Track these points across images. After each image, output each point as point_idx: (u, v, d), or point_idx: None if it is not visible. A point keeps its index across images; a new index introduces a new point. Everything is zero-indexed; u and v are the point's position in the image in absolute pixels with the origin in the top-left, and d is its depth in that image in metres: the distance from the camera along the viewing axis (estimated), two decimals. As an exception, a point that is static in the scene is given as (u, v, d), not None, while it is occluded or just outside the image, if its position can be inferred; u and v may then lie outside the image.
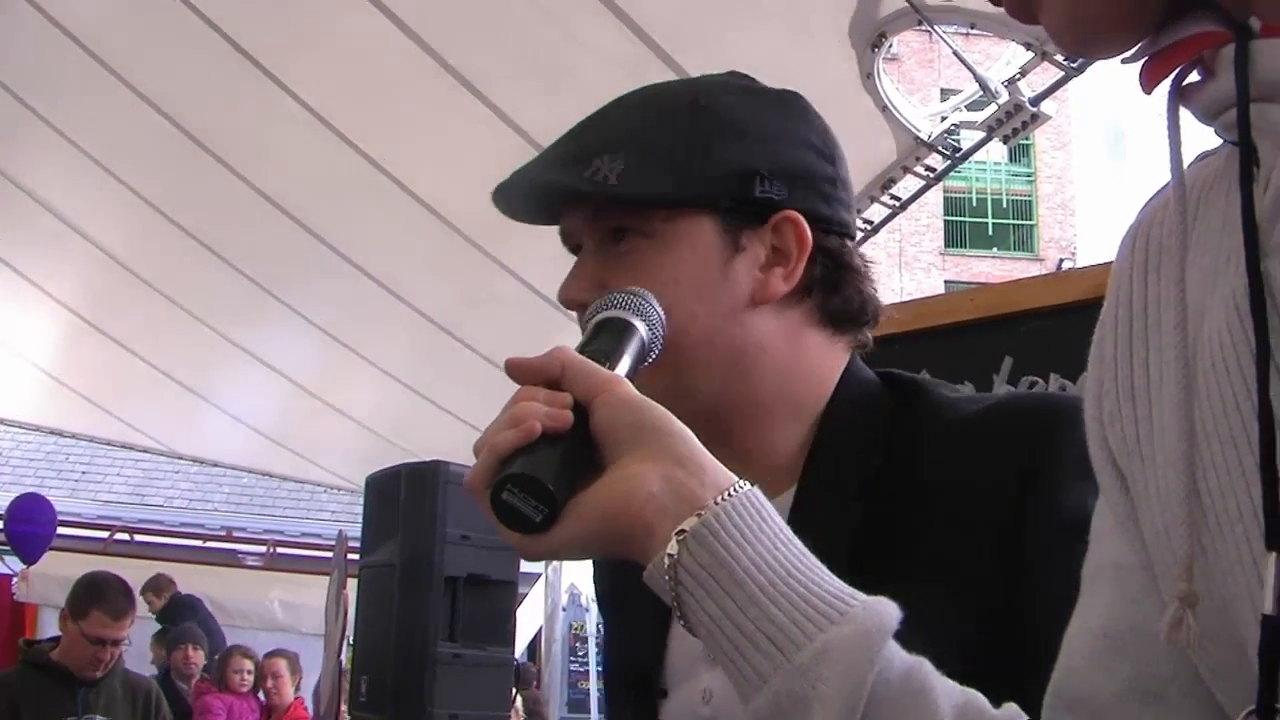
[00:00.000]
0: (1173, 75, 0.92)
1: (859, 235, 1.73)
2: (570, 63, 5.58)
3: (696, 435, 1.59)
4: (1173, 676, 0.92)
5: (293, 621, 14.62)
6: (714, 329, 1.60)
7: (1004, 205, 35.09)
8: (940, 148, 5.52)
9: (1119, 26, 0.92)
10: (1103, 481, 0.97)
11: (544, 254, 7.21)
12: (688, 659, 1.64)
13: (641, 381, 1.47)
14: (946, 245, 36.11)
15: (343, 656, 8.13)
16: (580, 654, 17.73)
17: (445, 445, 7.58)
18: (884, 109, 5.29)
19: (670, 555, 1.15)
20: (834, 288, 1.66)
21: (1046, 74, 5.03)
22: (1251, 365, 0.76)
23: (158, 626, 11.39)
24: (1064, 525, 1.34)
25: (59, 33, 6.16)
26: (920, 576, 1.39)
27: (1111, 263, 1.00)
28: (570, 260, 1.72)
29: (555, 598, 10.54)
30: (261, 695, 10.71)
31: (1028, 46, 4.79)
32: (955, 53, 5.00)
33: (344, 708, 7.22)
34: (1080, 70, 4.89)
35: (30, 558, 12.55)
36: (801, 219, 1.62)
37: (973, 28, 4.91)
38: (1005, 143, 5.49)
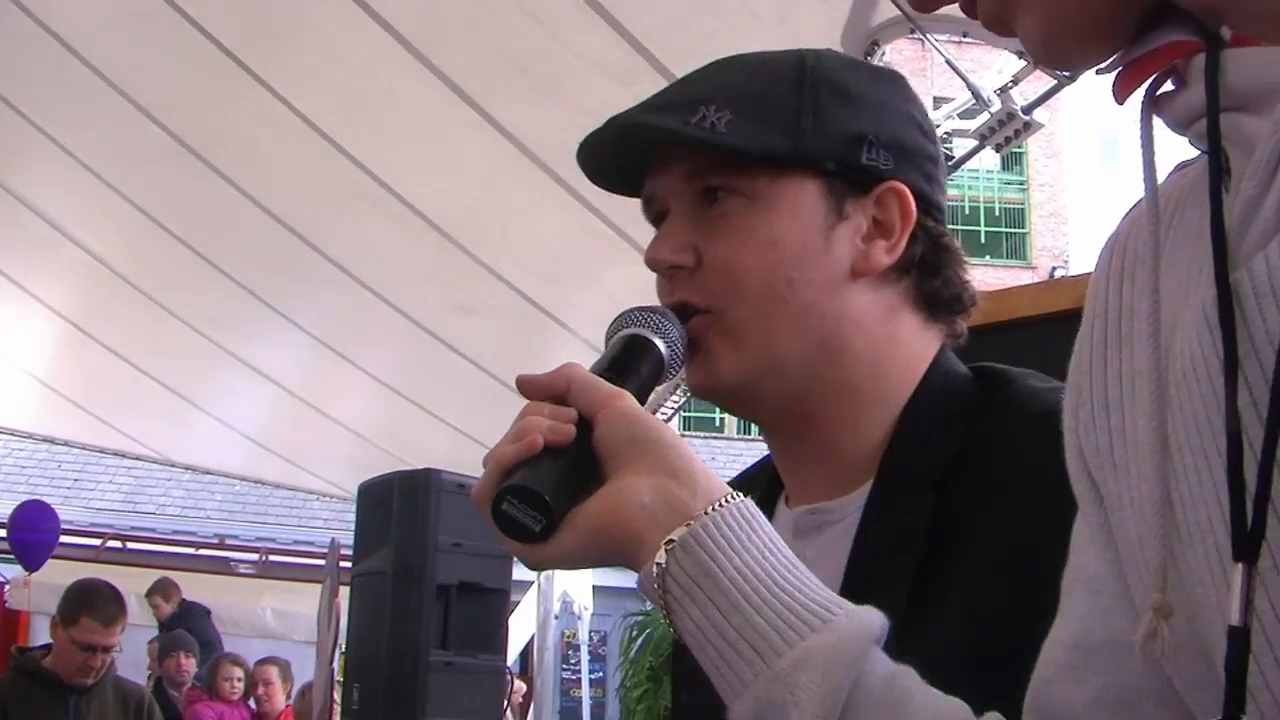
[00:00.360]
0: (1145, 85, 0.93)
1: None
2: (562, 70, 5.59)
3: (780, 423, 1.62)
4: (1145, 688, 0.92)
5: (285, 629, 14.65)
6: (810, 300, 1.53)
7: (996, 213, 35.10)
8: (933, 156, 5.52)
9: (1092, 39, 0.92)
10: (1078, 492, 0.98)
11: (536, 262, 7.21)
12: None
13: (725, 357, 1.53)
14: (939, 253, 35.96)
15: (335, 664, 8.13)
16: (572, 662, 17.69)
17: (438, 453, 7.59)
18: (877, 117, 5.29)
19: (659, 565, 1.18)
20: (933, 269, 1.60)
21: (1039, 82, 5.05)
22: (1221, 376, 0.76)
23: (155, 633, 11.42)
24: None
25: (52, 40, 6.16)
26: (985, 572, 1.37)
27: None
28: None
29: (548, 606, 10.54)
30: (252, 703, 10.72)
31: (1020, 55, 4.80)
32: (948, 61, 5.01)
33: (336, 716, 7.22)
34: (1073, 78, 4.89)
35: (33, 565, 12.56)
36: (906, 191, 1.56)
37: (965, 36, 4.93)
38: (998, 151, 5.50)
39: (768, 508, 1.63)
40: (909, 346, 1.59)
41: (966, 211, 35.32)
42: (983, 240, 35.68)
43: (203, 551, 17.37)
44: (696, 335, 1.53)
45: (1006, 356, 1.63)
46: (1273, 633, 0.74)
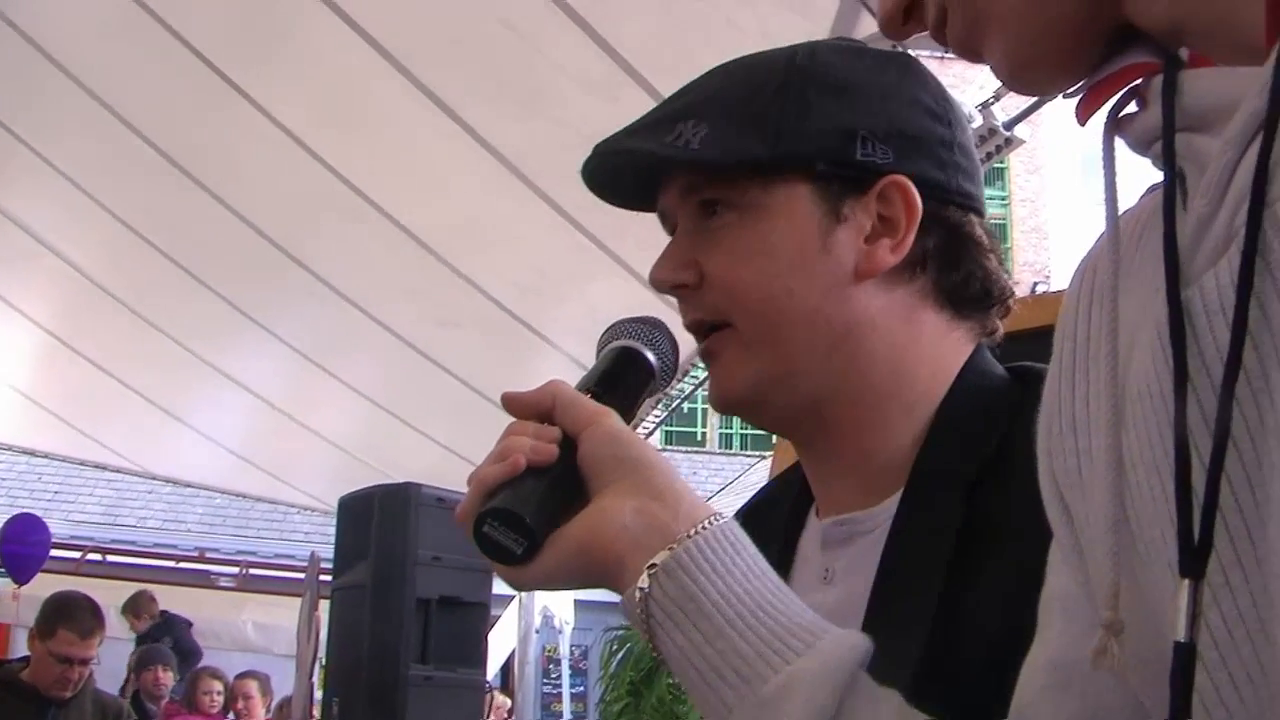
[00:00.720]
0: (1108, 106, 0.93)
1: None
2: (544, 84, 5.59)
3: (801, 432, 1.56)
4: (1119, 709, 0.92)
5: (265, 642, 14.64)
6: (814, 307, 1.46)
7: (986, 217, 35.22)
8: (914, 171, 5.53)
9: (1059, 65, 0.94)
10: (1050, 514, 0.98)
11: (518, 275, 7.21)
12: None
13: (735, 369, 1.49)
14: (922, 268, 36.01)
15: (315, 678, 8.11)
16: (553, 676, 17.72)
17: (418, 466, 7.59)
18: (859, 132, 5.30)
19: (641, 589, 1.17)
20: (952, 262, 1.51)
21: (1020, 98, 5.05)
22: (1172, 394, 0.76)
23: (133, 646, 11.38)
24: None
25: (35, 51, 6.16)
26: (1012, 579, 1.27)
27: None
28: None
29: (529, 620, 10.52)
30: (231, 716, 10.69)
31: (1001, 71, 4.80)
32: (928, 76, 5.02)
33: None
34: (1053, 95, 4.90)
35: (23, 578, 12.53)
36: (909, 184, 1.47)
37: (947, 52, 4.92)
38: (979, 166, 5.51)
39: (797, 520, 1.62)
40: (934, 347, 1.51)
41: (948, 227, 35.38)
42: (965, 255, 35.73)
43: (183, 564, 17.31)
44: (713, 350, 1.50)
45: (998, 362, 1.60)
46: (1225, 648, 0.75)
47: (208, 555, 17.90)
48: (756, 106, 1.48)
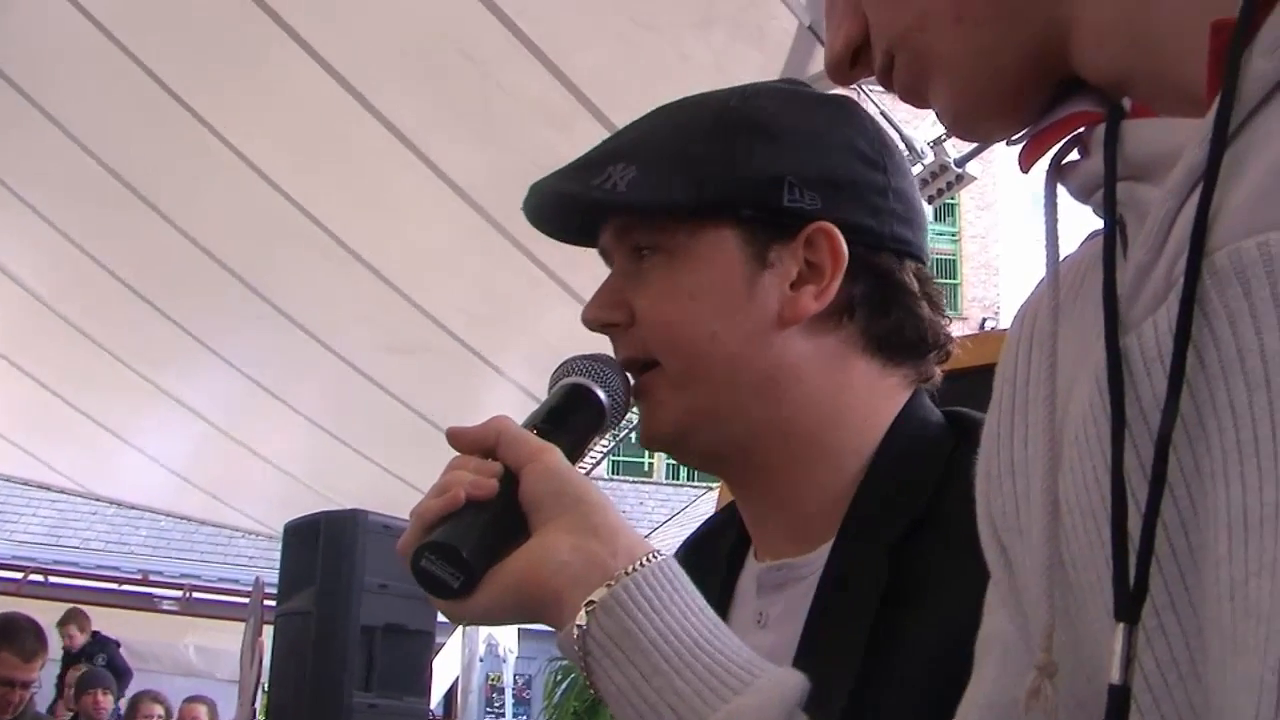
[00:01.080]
0: (1050, 154, 0.95)
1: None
2: (499, 113, 5.60)
3: (730, 473, 1.58)
4: None
5: (207, 667, 14.55)
6: (736, 351, 1.46)
7: (928, 264, 35.35)
8: (865, 206, 5.55)
9: (1002, 115, 0.96)
10: (988, 556, 0.99)
11: (469, 304, 7.20)
12: None
13: (662, 408, 1.50)
14: (871, 303, 36.05)
15: (257, 704, 8.06)
16: (497, 705, 17.67)
17: (365, 493, 7.56)
18: (811, 167, 5.32)
19: (579, 626, 1.17)
20: (882, 310, 1.50)
21: (972, 136, 5.09)
22: (1109, 439, 0.78)
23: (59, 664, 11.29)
24: None
25: (-14, 71, 6.13)
26: (932, 643, 1.29)
27: None
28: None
29: (472, 648, 10.48)
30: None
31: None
32: (882, 112, 5.04)
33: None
34: (997, 141, 4.94)
35: None
36: (835, 231, 1.46)
37: (899, 89, 4.96)
38: (931, 202, 5.55)
39: (737, 558, 1.62)
40: (865, 395, 1.50)
41: (899, 262, 35.48)
42: (914, 291, 35.83)
43: (126, 587, 17.20)
44: (643, 387, 1.51)
45: (936, 406, 1.60)
46: (1159, 691, 0.76)
47: (151, 578, 17.79)
48: (686, 150, 1.49)
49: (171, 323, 7.97)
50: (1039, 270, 0.98)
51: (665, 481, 27.72)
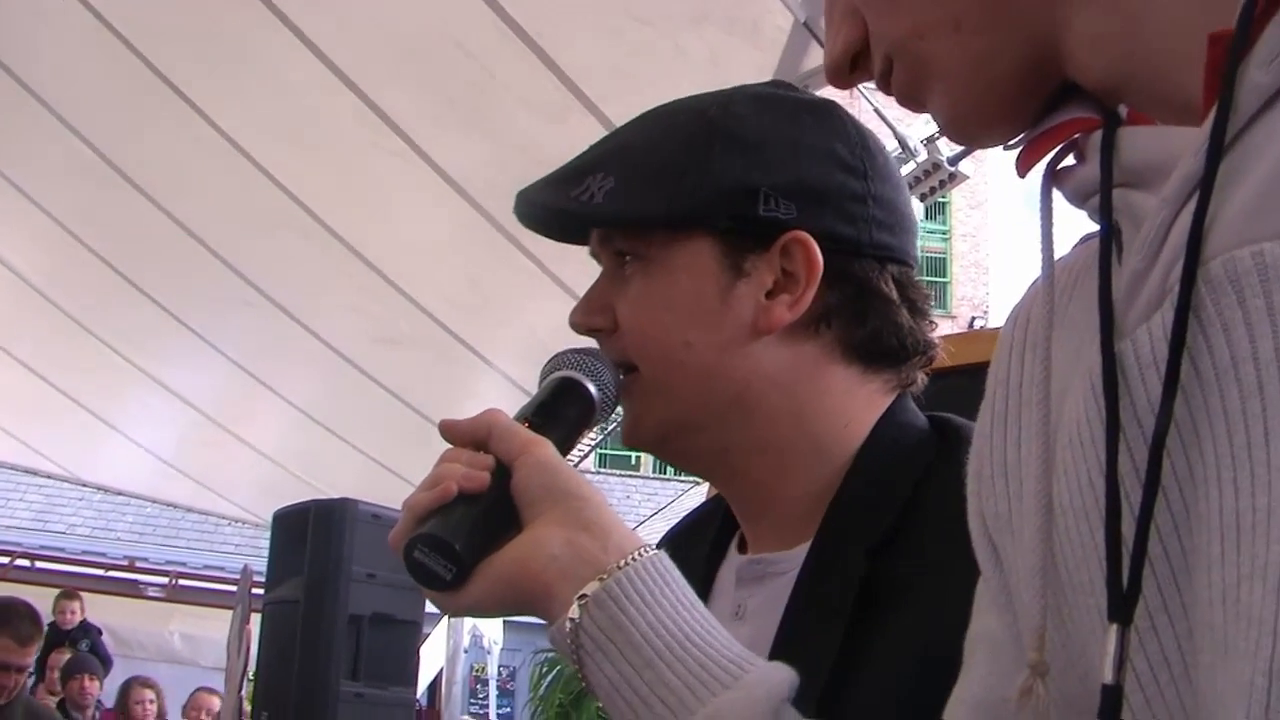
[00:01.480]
0: (1046, 160, 0.96)
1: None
2: (493, 105, 5.60)
3: (712, 475, 1.60)
4: None
5: (192, 654, 14.54)
6: (712, 361, 1.48)
7: (919, 262, 35.38)
8: (857, 204, 5.56)
9: (998, 121, 0.97)
10: (979, 556, 1.00)
11: (459, 295, 7.20)
12: None
13: (642, 412, 1.52)
14: (861, 300, 36.02)
15: (244, 692, 8.06)
16: (481, 696, 17.66)
17: (353, 482, 7.56)
18: (803, 164, 5.32)
19: (572, 619, 1.18)
20: (858, 318, 1.51)
21: (965, 135, 5.09)
22: (1104, 442, 0.79)
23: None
24: None
25: (-23, 52, 6.12)
26: (905, 648, 1.31)
27: None
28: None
29: (457, 639, 10.47)
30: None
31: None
32: (876, 110, 5.05)
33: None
34: (993, 146, 4.94)
35: None
36: (810, 240, 1.46)
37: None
38: (922, 200, 5.55)
39: (719, 550, 1.63)
40: (844, 402, 1.51)
41: (889, 259, 35.50)
42: (904, 288, 35.86)
43: (112, 573, 17.18)
44: (627, 389, 1.51)
45: (924, 406, 1.60)
46: (1151, 691, 0.77)
47: (137, 564, 17.76)
48: (662, 161, 1.50)
49: (161, 309, 7.97)
50: (1030, 270, 0.99)
51: (652, 475, 27.72)
